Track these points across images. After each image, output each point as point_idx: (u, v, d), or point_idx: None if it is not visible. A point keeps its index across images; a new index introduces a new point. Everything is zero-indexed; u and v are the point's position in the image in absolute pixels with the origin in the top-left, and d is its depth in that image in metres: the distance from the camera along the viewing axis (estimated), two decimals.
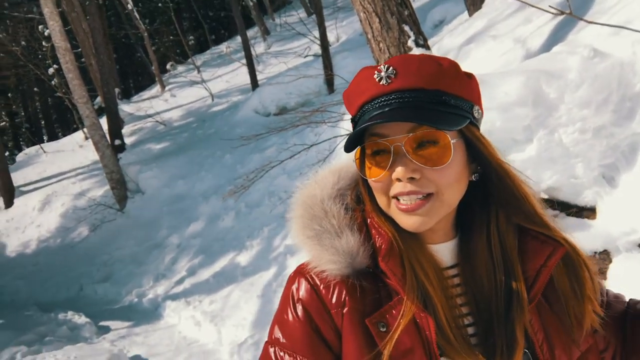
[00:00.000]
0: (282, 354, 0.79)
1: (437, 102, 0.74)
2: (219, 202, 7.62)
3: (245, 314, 4.75)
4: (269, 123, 8.97)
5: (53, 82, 13.92)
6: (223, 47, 17.19)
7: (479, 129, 0.81)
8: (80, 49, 13.01)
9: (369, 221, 0.81)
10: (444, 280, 0.79)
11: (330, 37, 11.37)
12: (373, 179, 0.77)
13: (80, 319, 5.86)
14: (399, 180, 0.74)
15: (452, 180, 0.75)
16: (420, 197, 0.74)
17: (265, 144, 8.12)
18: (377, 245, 0.79)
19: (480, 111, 0.80)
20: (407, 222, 0.76)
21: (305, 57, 11.61)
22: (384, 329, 0.75)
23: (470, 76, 0.80)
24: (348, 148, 0.78)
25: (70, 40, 9.43)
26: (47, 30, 11.63)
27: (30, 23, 14.93)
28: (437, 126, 0.73)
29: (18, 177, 12.59)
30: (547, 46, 3.08)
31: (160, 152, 10.86)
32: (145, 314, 6.16)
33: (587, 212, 2.50)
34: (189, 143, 10.69)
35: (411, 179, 0.74)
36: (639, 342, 0.86)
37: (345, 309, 0.77)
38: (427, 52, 2.51)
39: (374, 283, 0.79)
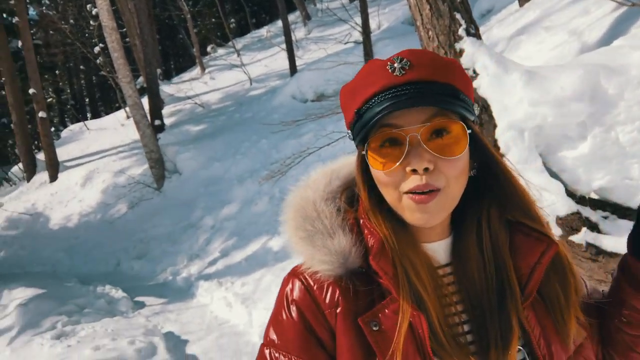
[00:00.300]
0: (277, 354, 0.81)
1: (449, 94, 0.75)
2: (254, 186, 7.69)
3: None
4: (306, 109, 8.95)
5: (98, 61, 14.30)
6: (263, 31, 17.24)
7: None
8: (125, 29, 13.29)
9: (361, 222, 0.82)
10: (437, 279, 0.79)
11: (372, 24, 11.19)
12: (385, 171, 0.76)
13: (117, 293, 6.05)
14: (413, 172, 0.74)
15: (460, 173, 0.76)
16: (430, 190, 0.75)
17: (301, 130, 8.11)
18: (369, 245, 0.79)
19: (478, 109, 0.86)
20: (416, 216, 0.76)
21: (345, 43, 11.49)
22: (377, 328, 0.75)
23: (469, 77, 0.83)
24: (362, 139, 0.78)
25: (117, 19, 9.64)
26: (95, 9, 11.92)
27: (79, 2, 15.33)
28: (457, 111, 0.75)
29: (62, 153, 13.07)
30: (607, 40, 2.91)
31: (198, 133, 11.03)
32: (178, 292, 6.32)
33: None
34: (226, 126, 10.80)
35: (425, 170, 0.73)
36: (612, 330, 0.88)
37: (339, 309, 0.78)
38: (478, 42, 2.41)
39: (367, 283, 0.79)
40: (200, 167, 9.39)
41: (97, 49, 14.34)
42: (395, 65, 0.75)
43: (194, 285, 6.26)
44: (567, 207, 2.28)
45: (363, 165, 0.82)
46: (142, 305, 5.92)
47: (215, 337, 4.60)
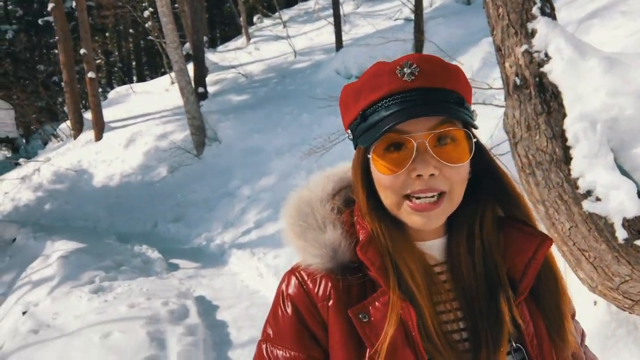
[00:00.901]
0: (273, 348, 0.84)
1: (455, 102, 0.77)
2: (293, 160, 7.65)
3: None
4: None
5: (147, 25, 14.44)
6: (311, 3, 16.95)
7: None
8: None
9: (354, 219, 0.84)
10: (432, 276, 0.80)
11: (423, 1, 10.79)
12: (390, 176, 0.77)
13: (154, 254, 6.19)
14: (418, 177, 0.75)
15: (463, 178, 0.78)
16: (434, 197, 0.76)
17: None
18: (360, 238, 0.81)
19: (477, 115, 0.85)
20: (419, 220, 0.77)
21: (395, 19, 11.15)
22: (366, 320, 0.77)
23: (470, 84, 0.85)
24: (365, 141, 0.78)
25: None
26: None
27: None
28: (464, 119, 0.76)
29: (108, 113, 13.38)
30: None
31: (239, 103, 11.04)
32: (211, 258, 6.42)
33: None
34: (268, 98, 10.76)
35: (431, 176, 0.75)
36: None
37: (331, 302, 0.80)
38: (553, 22, 2.21)
39: (359, 277, 0.81)
40: (240, 137, 9.41)
41: (146, 13, 14.47)
42: (405, 70, 0.76)
43: (227, 252, 6.34)
44: (637, 208, 2.10)
45: (362, 167, 0.83)
46: (176, 267, 6.05)
47: (246, 306, 4.64)
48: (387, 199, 0.79)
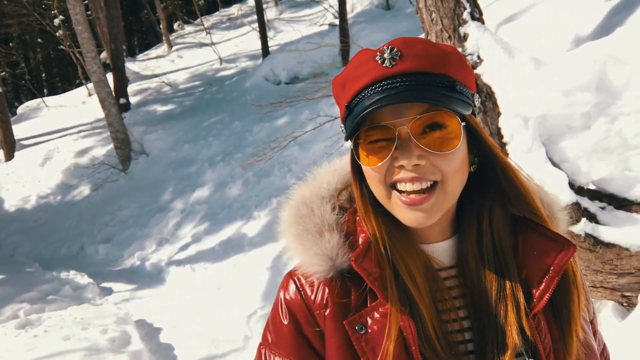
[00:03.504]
0: (271, 354, 0.81)
1: (444, 86, 0.71)
2: (226, 169, 7.48)
3: (254, 285, 4.68)
4: (279, 91, 8.75)
5: (58, 34, 13.51)
6: (233, 9, 16.75)
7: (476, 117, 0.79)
8: (87, 1, 12.58)
9: (357, 219, 0.79)
10: (437, 282, 0.75)
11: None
12: (372, 167, 0.72)
13: (83, 279, 5.78)
14: (402, 167, 0.70)
15: (457, 167, 0.72)
16: (425, 188, 0.71)
17: (277, 113, 7.92)
18: (359, 243, 0.77)
19: (479, 100, 0.78)
20: (410, 217, 0.71)
21: (320, 25, 11.29)
22: (362, 331, 0.73)
23: (469, 66, 0.78)
24: (349, 136, 0.74)
25: None
26: None
27: None
28: (451, 107, 0.69)
29: (19, 130, 12.35)
30: (604, 29, 2.90)
31: (165, 114, 10.63)
32: (148, 278, 6.09)
33: (636, 206, 2.39)
34: (195, 107, 10.46)
35: (415, 166, 0.70)
36: None
37: (328, 311, 0.76)
38: (482, 26, 2.33)
39: (359, 284, 0.76)
40: (169, 149, 9.06)
41: (56, 22, 13.53)
42: (385, 55, 0.71)
43: (165, 271, 6.05)
44: (568, 197, 2.26)
45: (354, 162, 0.78)
46: (109, 291, 5.68)
47: (190, 326, 4.45)
48: (376, 191, 0.75)
